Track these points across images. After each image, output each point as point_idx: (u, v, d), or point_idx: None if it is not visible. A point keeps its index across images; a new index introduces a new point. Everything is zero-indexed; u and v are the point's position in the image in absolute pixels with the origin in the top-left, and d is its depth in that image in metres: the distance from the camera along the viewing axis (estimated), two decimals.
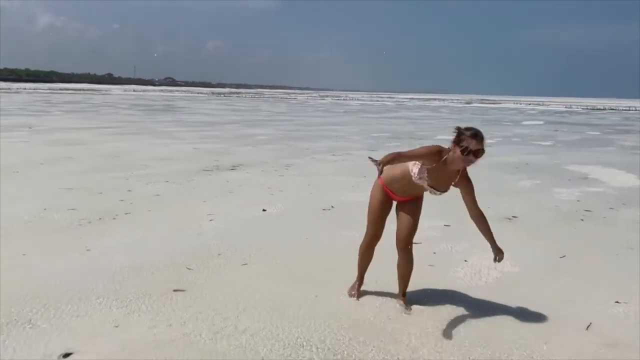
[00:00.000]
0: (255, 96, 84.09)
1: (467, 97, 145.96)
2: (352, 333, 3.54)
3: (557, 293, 4.38)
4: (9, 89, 73.91)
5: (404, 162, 3.60)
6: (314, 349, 3.33)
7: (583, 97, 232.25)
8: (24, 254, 4.94)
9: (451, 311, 3.93)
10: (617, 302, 4.20)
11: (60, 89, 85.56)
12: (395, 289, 4.07)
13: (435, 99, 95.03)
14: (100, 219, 6.32)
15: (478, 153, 3.43)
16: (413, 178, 3.66)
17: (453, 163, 3.50)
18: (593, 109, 63.29)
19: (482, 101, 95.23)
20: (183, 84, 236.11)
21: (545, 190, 9.04)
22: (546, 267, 5.04)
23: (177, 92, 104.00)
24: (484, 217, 3.67)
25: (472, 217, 3.67)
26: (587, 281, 4.69)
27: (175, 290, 4.18)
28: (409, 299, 4.03)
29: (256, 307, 3.89)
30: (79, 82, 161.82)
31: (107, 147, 13.40)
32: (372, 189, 3.99)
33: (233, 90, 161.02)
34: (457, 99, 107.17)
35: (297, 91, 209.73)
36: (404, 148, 13.27)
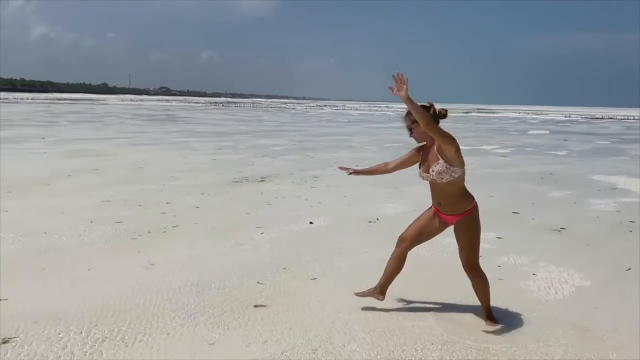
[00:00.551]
0: (254, 106, 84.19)
1: (463, 106, 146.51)
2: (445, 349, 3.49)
3: None
4: (6, 99, 73.68)
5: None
6: None
7: (578, 107, 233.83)
8: (89, 269, 4.88)
9: (550, 327, 3.88)
10: None
11: (58, 99, 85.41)
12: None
13: None
14: (149, 232, 6.25)
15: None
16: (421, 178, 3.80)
17: (421, 137, 3.72)
18: (592, 118, 63.65)
19: (479, 110, 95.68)
20: (178, 93, 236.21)
21: (579, 201, 9.03)
22: (616, 280, 5.00)
23: (174, 101, 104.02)
24: None
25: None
26: None
27: (256, 306, 4.12)
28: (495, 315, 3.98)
29: (344, 322, 3.84)
30: (74, 92, 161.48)
31: (126, 158, 13.33)
32: None
33: (229, 99, 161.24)
34: (455, 108, 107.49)
35: (293, 101, 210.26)
36: None
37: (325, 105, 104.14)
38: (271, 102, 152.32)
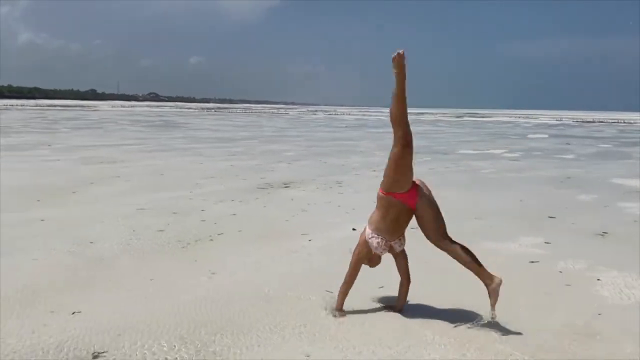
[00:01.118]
0: (246, 111, 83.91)
1: (453, 111, 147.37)
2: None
3: None
4: None
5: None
6: None
7: (566, 110, 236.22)
8: (152, 279, 4.78)
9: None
10: None
11: (49, 105, 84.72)
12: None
13: (425, 113, 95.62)
14: (197, 240, 6.16)
15: None
16: None
17: None
18: (584, 122, 64.19)
19: (472, 114, 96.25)
20: (167, 99, 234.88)
21: (610, 204, 9.05)
22: None
23: (166, 107, 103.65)
24: None
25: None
26: None
27: (335, 316, 4.06)
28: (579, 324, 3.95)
29: (436, 331, 3.79)
30: (63, 98, 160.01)
31: (143, 164, 13.19)
32: None
33: (219, 105, 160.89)
34: (445, 113, 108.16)
35: (283, 106, 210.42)
36: (435, 163, 13.27)
37: (316, 111, 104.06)
38: (262, 107, 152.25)
